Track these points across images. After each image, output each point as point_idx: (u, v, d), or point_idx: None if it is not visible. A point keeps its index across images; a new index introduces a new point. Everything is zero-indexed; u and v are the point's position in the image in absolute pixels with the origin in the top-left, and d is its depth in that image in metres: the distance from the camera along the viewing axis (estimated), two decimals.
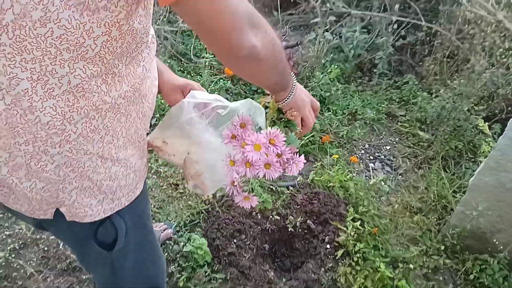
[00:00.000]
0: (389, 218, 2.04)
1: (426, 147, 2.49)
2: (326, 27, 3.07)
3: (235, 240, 1.83)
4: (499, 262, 1.78)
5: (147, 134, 0.91)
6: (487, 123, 2.21)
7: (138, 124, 0.81)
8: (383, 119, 2.71)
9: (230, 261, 1.76)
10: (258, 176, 0.79)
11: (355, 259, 1.80)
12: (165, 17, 3.10)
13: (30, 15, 0.56)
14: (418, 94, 2.75)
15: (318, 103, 0.99)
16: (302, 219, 1.95)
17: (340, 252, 1.82)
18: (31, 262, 1.70)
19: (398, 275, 1.78)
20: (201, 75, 2.74)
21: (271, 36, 0.71)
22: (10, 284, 1.61)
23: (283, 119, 0.93)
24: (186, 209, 1.98)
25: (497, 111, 2.47)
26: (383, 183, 2.24)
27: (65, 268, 1.69)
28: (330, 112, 2.62)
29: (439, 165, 2.34)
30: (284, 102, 0.89)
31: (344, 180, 2.12)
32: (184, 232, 1.86)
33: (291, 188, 2.14)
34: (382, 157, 2.48)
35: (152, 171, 2.17)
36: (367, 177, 2.32)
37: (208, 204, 2.00)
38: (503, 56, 2.42)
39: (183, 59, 2.92)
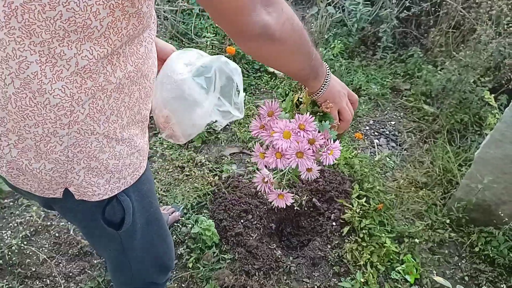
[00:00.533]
0: (394, 193, 2.05)
1: (431, 121, 2.47)
2: (329, 1, 3.01)
3: (242, 221, 1.86)
4: (504, 234, 1.79)
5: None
6: (493, 95, 2.18)
7: (141, 104, 0.82)
8: (387, 94, 2.68)
9: (237, 241, 1.79)
10: (291, 167, 0.73)
11: (361, 235, 1.82)
12: None
13: None
14: (423, 67, 2.71)
15: (356, 96, 0.93)
16: (307, 197, 1.97)
17: (346, 229, 1.84)
18: (43, 248, 1.75)
19: (403, 249, 1.80)
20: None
21: (289, 15, 0.68)
22: (24, 271, 1.66)
23: (318, 113, 0.87)
24: (192, 192, 2.00)
25: (503, 82, 2.42)
26: (388, 159, 2.23)
27: (77, 253, 1.73)
28: None
29: (445, 138, 2.32)
30: (318, 93, 0.84)
31: (349, 157, 2.13)
32: (192, 214, 1.89)
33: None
34: (387, 132, 2.47)
35: (158, 154, 2.19)
36: (372, 153, 2.32)
37: (215, 185, 2.02)
38: (510, 25, 2.36)
39: (184, 39, 2.89)
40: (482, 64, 2.37)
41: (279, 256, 1.76)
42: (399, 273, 1.73)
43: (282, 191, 0.80)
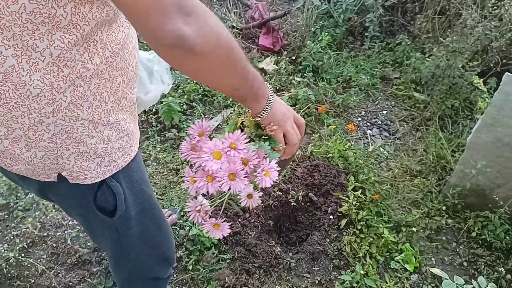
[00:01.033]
0: (390, 183, 2.05)
1: (423, 108, 2.48)
2: None
3: (239, 220, 1.86)
4: (500, 217, 1.81)
5: None
6: (482, 79, 2.19)
7: (124, 89, 0.83)
8: (377, 84, 2.68)
9: (236, 240, 1.79)
10: (223, 191, 0.66)
11: (359, 227, 1.83)
12: None
13: None
14: (411, 55, 2.71)
15: (302, 120, 0.89)
16: (303, 192, 1.97)
17: (343, 222, 1.85)
18: (41, 259, 1.74)
19: (401, 239, 1.81)
20: None
21: (216, 29, 0.62)
22: (23, 283, 1.65)
23: (263, 136, 0.82)
24: (188, 193, 1.99)
25: (492, 65, 2.43)
26: (381, 149, 2.24)
27: (76, 262, 1.72)
28: (324, 82, 2.59)
29: (437, 125, 2.33)
30: (261, 116, 0.79)
31: (343, 150, 2.13)
32: (189, 216, 1.88)
33: (291, 162, 2.15)
34: (379, 122, 2.47)
35: (152, 158, 2.17)
36: (365, 144, 2.33)
37: None
38: (495, 8, 2.36)
39: None
40: (470, 48, 2.38)
41: (279, 253, 1.77)
42: (398, 262, 1.74)
43: (218, 219, 0.73)
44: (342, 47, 2.98)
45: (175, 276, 1.70)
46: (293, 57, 2.85)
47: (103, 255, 1.74)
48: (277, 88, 2.60)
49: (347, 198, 1.91)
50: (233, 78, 0.70)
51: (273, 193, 1.97)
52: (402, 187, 2.06)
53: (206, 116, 2.42)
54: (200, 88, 2.54)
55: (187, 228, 1.82)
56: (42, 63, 0.67)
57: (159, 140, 2.26)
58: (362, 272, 1.69)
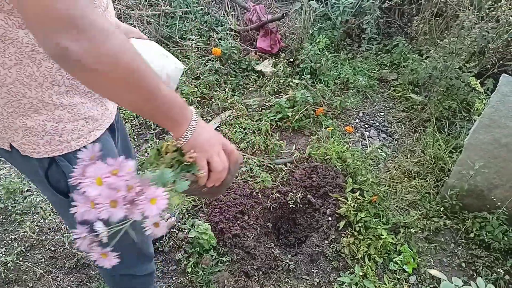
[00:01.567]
0: (388, 184, 2.06)
1: (420, 109, 2.49)
2: None
3: (238, 222, 1.86)
4: (498, 218, 1.81)
5: None
6: (479, 80, 2.20)
7: None
8: (375, 86, 2.69)
9: (235, 242, 1.79)
10: (102, 218, 0.64)
11: (357, 228, 1.83)
12: (146, 0, 3.04)
13: None
14: (408, 57, 2.72)
15: (231, 147, 0.87)
16: (302, 194, 1.97)
17: (342, 223, 1.85)
18: (39, 263, 1.73)
19: (400, 240, 1.81)
20: (189, 58, 2.70)
21: (115, 52, 0.63)
22: (21, 287, 1.64)
23: (184, 163, 0.81)
24: (187, 196, 1.99)
25: (489, 66, 2.45)
26: (379, 150, 2.24)
27: (74, 266, 1.72)
28: (321, 84, 2.60)
29: (434, 126, 2.34)
30: (181, 140, 0.78)
31: (341, 151, 2.13)
32: (188, 219, 1.89)
33: (289, 164, 2.15)
34: (377, 124, 2.48)
35: None
36: (363, 146, 2.33)
37: None
38: (492, 9, 2.37)
39: (169, 43, 2.87)
40: (467, 49, 2.39)
41: (277, 255, 1.77)
42: (397, 263, 1.74)
43: (104, 248, 0.69)
44: (339, 49, 2.99)
45: (174, 278, 1.70)
46: (291, 59, 2.85)
47: None
48: (275, 90, 2.61)
49: (345, 200, 1.91)
50: (132, 97, 0.70)
51: (271, 195, 1.97)
52: (400, 188, 2.06)
53: (204, 119, 2.42)
54: (199, 91, 2.54)
55: (186, 231, 1.82)
56: None
57: (157, 143, 2.26)
58: (361, 273, 1.69)
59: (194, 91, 2.52)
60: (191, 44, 2.74)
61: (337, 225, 1.86)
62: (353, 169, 2.06)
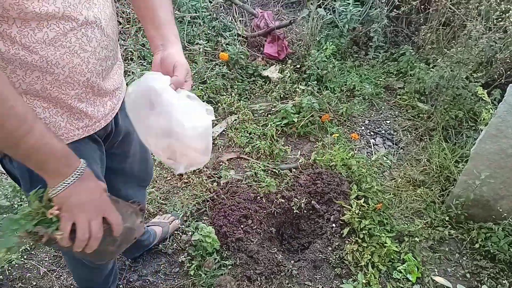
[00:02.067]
0: (393, 192, 2.05)
1: (426, 118, 2.48)
2: (319, 3, 3.02)
3: (242, 226, 1.86)
4: (504, 229, 1.80)
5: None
6: (486, 90, 2.20)
7: (47, 85, 0.82)
8: (381, 93, 2.69)
9: (238, 246, 1.78)
10: None
11: (361, 236, 1.82)
12: None
13: None
14: (415, 65, 2.73)
15: (116, 219, 0.84)
16: (306, 200, 1.97)
17: (346, 230, 1.84)
18: (43, 262, 1.74)
19: (404, 248, 1.80)
20: (196, 62, 2.72)
21: None
22: (25, 285, 1.65)
23: (46, 217, 0.77)
24: (191, 199, 1.99)
25: (496, 76, 2.44)
26: (385, 158, 2.24)
27: None
28: (328, 91, 2.60)
29: (440, 135, 2.33)
30: (51, 192, 0.76)
31: (346, 158, 2.13)
32: (192, 222, 1.89)
33: (294, 170, 2.15)
34: (383, 131, 2.47)
35: (156, 163, 2.18)
36: (368, 153, 2.33)
37: (213, 192, 2.02)
38: (500, 19, 2.38)
39: None
40: (474, 59, 2.39)
41: (280, 260, 1.76)
42: (401, 272, 1.73)
43: None
44: (346, 57, 2.99)
45: (176, 281, 1.70)
46: (298, 66, 2.86)
47: None
48: (281, 96, 2.62)
49: (349, 207, 1.90)
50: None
51: (275, 200, 1.97)
52: (405, 196, 2.05)
53: None
54: (206, 95, 2.55)
55: (190, 233, 1.82)
56: None
57: None
58: (364, 281, 1.68)
59: (201, 95, 2.53)
60: (199, 49, 2.76)
61: (341, 232, 1.85)
62: (358, 176, 2.06)
